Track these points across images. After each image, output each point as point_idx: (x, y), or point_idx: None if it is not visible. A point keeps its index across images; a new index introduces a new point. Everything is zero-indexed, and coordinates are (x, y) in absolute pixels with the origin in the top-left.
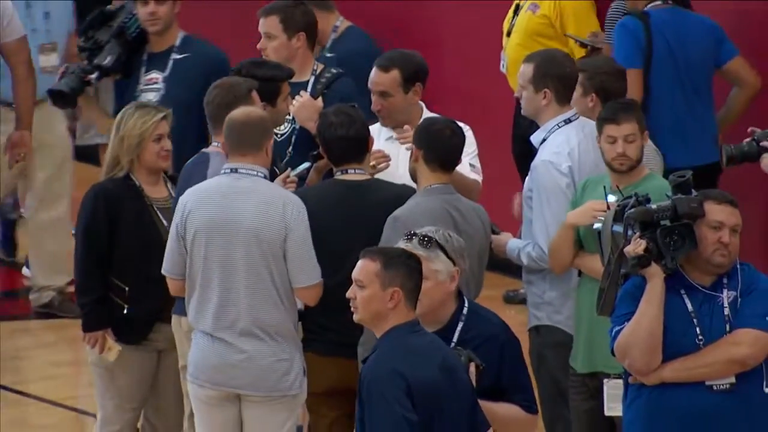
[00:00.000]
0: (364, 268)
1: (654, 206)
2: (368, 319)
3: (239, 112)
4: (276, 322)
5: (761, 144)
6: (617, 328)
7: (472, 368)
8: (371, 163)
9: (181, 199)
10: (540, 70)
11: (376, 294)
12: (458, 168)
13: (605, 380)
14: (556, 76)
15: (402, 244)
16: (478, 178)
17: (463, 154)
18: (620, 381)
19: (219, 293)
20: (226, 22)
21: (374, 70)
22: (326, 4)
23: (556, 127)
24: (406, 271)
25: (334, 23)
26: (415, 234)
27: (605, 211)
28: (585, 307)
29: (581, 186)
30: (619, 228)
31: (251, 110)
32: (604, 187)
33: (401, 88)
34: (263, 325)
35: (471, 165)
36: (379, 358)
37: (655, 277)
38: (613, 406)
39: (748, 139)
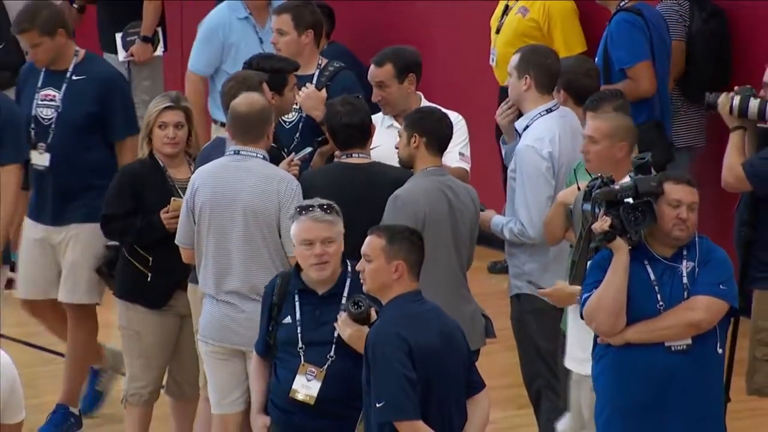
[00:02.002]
0: (371, 243)
1: (617, 186)
2: (375, 289)
3: (243, 104)
4: None
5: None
6: (586, 294)
7: (374, 313)
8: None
9: (192, 177)
10: (523, 58)
11: (381, 266)
12: (448, 157)
13: None
14: (536, 64)
15: (301, 213)
16: (466, 166)
17: (454, 143)
18: None
19: (221, 261)
20: None
21: (371, 67)
22: (71, 31)
23: (539, 115)
24: (409, 245)
25: (74, 48)
26: (312, 205)
27: None
28: None
29: (574, 168)
30: (587, 207)
31: (253, 101)
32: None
33: (396, 79)
34: (260, 291)
35: (461, 153)
36: (384, 323)
37: (620, 250)
38: None
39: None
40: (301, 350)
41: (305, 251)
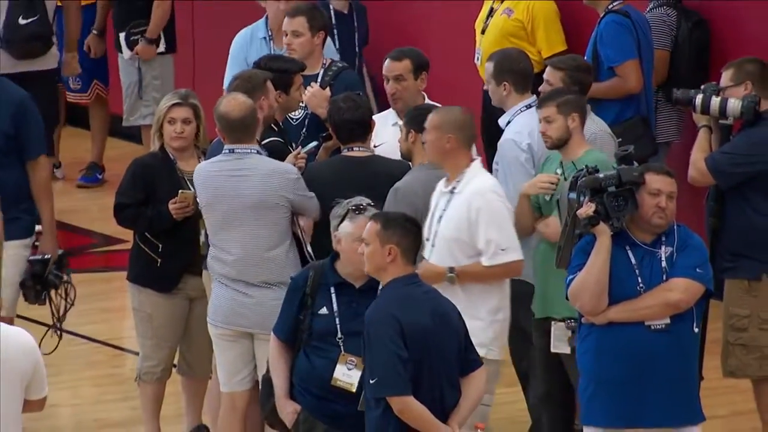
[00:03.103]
0: (368, 228)
1: (601, 175)
2: (372, 270)
3: (235, 109)
4: (280, 275)
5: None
6: (571, 276)
7: None
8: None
9: (195, 176)
10: (498, 67)
11: (376, 250)
12: None
13: (552, 323)
14: (512, 71)
15: (357, 212)
16: None
17: None
18: (563, 324)
19: (232, 252)
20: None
21: (388, 61)
22: None
23: (519, 111)
24: (402, 231)
25: None
26: (363, 204)
27: (554, 183)
28: (540, 264)
29: (543, 161)
30: (573, 195)
31: (242, 103)
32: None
33: (412, 74)
34: (269, 279)
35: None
36: (379, 305)
37: (603, 234)
38: (558, 344)
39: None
40: (340, 340)
41: (359, 246)
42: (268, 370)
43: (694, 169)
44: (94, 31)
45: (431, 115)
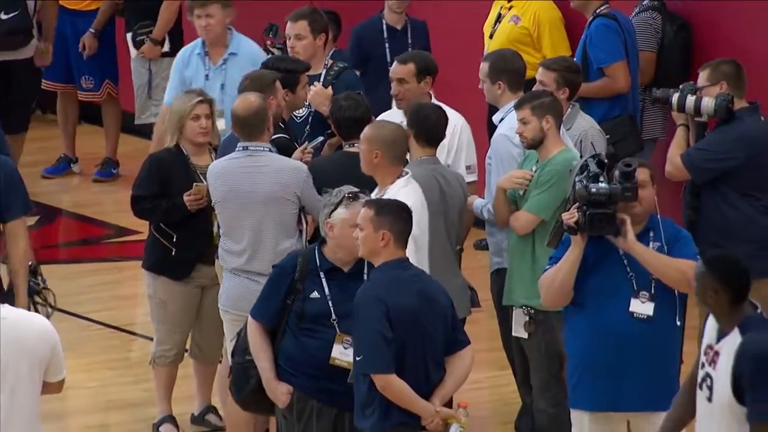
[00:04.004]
0: (362, 214)
1: (594, 189)
2: (366, 254)
3: (241, 108)
4: None
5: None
6: (547, 266)
7: None
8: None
9: (208, 171)
10: (494, 67)
11: (370, 235)
12: (455, 169)
13: (513, 309)
14: (506, 70)
15: (351, 199)
16: (474, 177)
17: (461, 156)
18: (521, 309)
19: (244, 245)
20: (254, 21)
21: (395, 64)
22: None
23: (512, 109)
24: (394, 217)
25: None
26: (357, 192)
27: (527, 179)
28: (509, 254)
29: (523, 159)
30: (578, 178)
31: (249, 103)
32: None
33: (415, 78)
34: None
35: (467, 167)
36: (368, 287)
37: (577, 244)
38: (517, 328)
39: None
40: (334, 322)
41: (353, 232)
42: (241, 354)
43: (670, 165)
44: (91, 30)
45: (366, 127)
